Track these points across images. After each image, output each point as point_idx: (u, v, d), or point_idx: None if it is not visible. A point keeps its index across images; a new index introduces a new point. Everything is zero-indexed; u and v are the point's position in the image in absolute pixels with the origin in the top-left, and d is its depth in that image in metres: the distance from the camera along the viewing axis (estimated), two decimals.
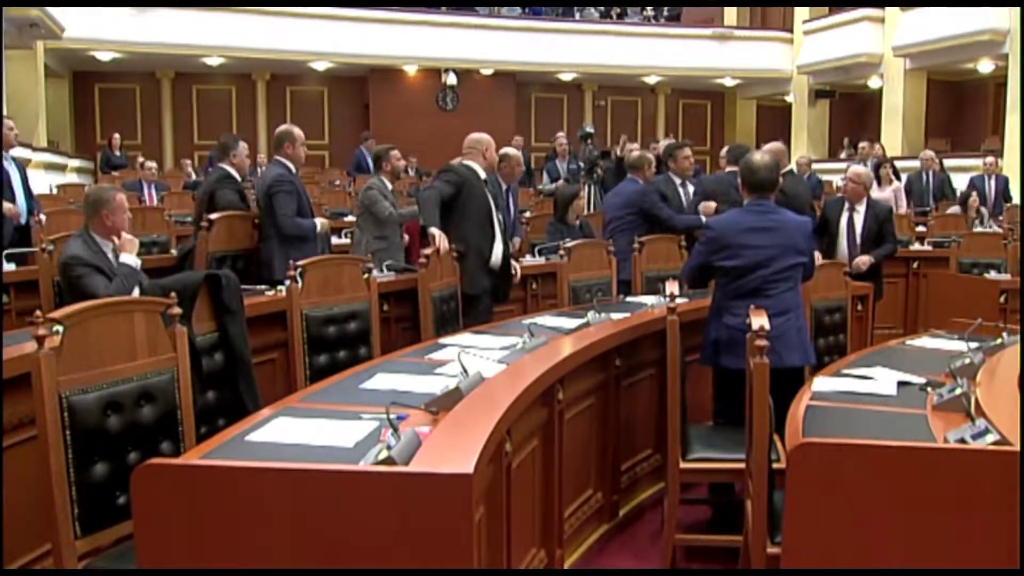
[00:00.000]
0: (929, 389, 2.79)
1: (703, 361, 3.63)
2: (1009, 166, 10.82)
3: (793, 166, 6.36)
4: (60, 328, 2.12)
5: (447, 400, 2.28)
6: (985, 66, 13.57)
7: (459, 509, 1.65)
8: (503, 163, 5.61)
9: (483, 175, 4.60)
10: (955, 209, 8.93)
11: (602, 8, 16.90)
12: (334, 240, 6.56)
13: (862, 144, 11.36)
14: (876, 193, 8.88)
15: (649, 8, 17.21)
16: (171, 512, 1.68)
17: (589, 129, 10.09)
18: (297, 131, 4.95)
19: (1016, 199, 9.69)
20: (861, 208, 5.28)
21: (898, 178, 10.50)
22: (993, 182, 9.43)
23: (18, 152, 10.23)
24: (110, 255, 3.69)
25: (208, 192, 5.16)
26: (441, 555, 1.64)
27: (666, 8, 17.32)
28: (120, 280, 3.55)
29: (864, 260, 5.20)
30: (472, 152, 4.63)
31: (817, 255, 4.04)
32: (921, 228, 8.37)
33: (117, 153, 12.59)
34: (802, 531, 1.90)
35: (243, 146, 5.36)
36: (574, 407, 3.28)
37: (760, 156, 3.65)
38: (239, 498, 1.68)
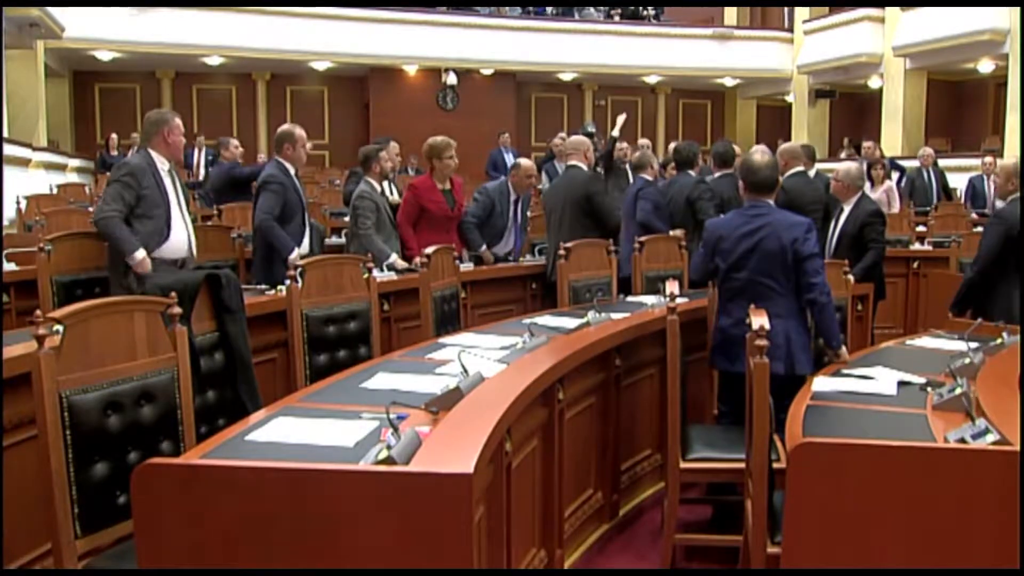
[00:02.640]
0: (929, 389, 2.79)
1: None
2: None
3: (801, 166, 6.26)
4: (60, 328, 2.12)
5: (447, 400, 2.28)
6: (985, 66, 13.58)
7: (459, 509, 1.65)
8: (513, 173, 5.66)
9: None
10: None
11: (603, 8, 16.90)
12: (333, 239, 6.57)
13: (866, 144, 11.34)
14: (868, 193, 8.85)
15: (651, 8, 17.21)
16: (171, 512, 1.68)
17: (591, 128, 10.07)
18: (299, 132, 4.79)
19: None
20: (847, 208, 5.19)
21: (902, 174, 10.44)
22: (992, 182, 9.42)
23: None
24: (164, 174, 4.00)
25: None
26: (441, 555, 1.64)
27: (651, 7, 17.31)
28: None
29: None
30: (575, 153, 5.39)
31: None
32: (921, 228, 8.36)
33: (114, 153, 12.55)
34: (802, 531, 1.90)
35: (393, 145, 6.05)
36: (574, 407, 3.28)
37: (760, 156, 3.64)
38: (239, 498, 1.68)
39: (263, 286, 4.25)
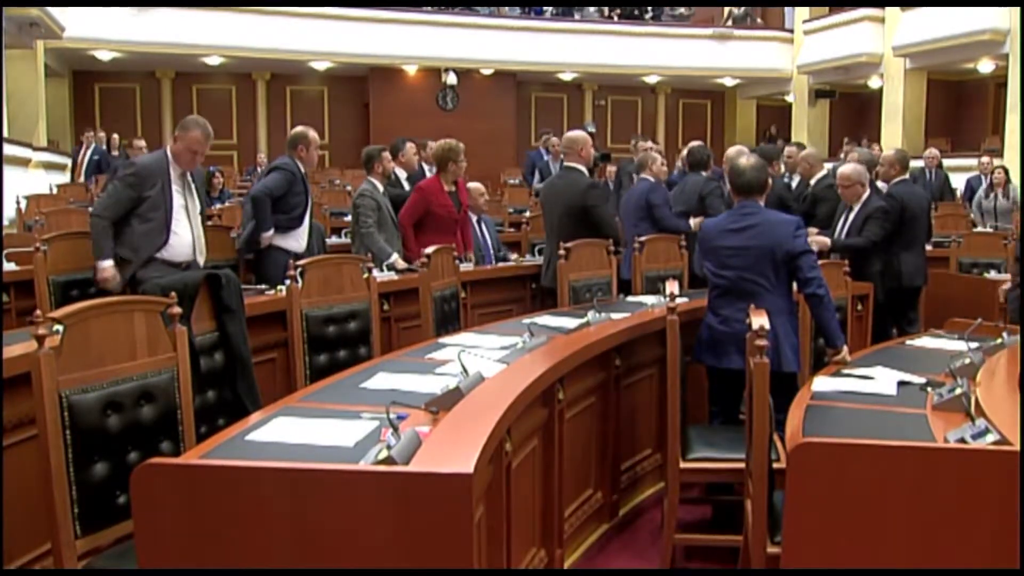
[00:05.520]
0: (929, 389, 2.79)
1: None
2: (1009, 166, 10.83)
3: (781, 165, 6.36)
4: (60, 328, 2.12)
5: (447, 400, 2.28)
6: (985, 66, 13.58)
7: (459, 509, 1.65)
8: (469, 198, 5.71)
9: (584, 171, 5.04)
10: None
11: (602, 8, 16.90)
12: (333, 239, 6.57)
13: (847, 147, 11.32)
14: None
15: (650, 9, 17.21)
16: (171, 512, 1.68)
17: (590, 128, 10.06)
18: (312, 135, 4.89)
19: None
20: (856, 207, 5.21)
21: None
22: (987, 178, 9.41)
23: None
24: (175, 178, 4.02)
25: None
26: (441, 555, 1.64)
27: (666, 8, 17.31)
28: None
29: (819, 240, 4.94)
30: (571, 153, 5.03)
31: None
32: None
33: (115, 154, 12.50)
34: (802, 531, 1.90)
35: (410, 145, 5.97)
36: (574, 407, 3.27)
37: (746, 158, 3.69)
38: (239, 498, 1.68)
39: (262, 285, 4.26)
